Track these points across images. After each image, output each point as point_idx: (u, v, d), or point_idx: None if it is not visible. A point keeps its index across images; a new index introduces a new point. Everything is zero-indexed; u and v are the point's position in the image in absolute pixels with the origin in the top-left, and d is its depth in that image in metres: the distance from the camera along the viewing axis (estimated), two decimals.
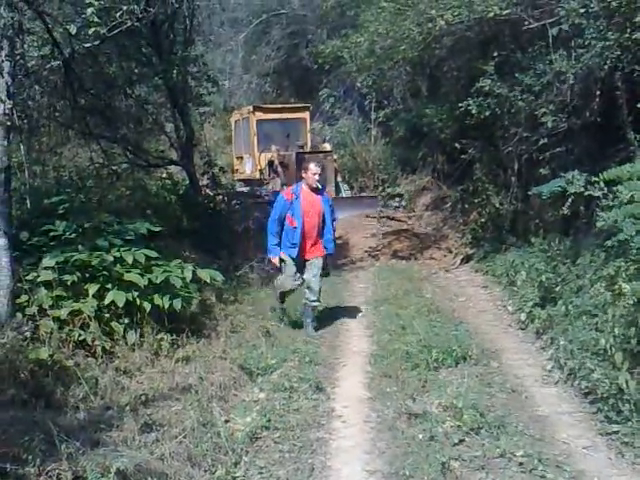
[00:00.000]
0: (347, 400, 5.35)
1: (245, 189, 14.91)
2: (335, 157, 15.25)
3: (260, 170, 15.77)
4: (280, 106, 17.55)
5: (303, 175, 7.31)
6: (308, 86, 19.43)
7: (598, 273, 6.75)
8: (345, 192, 15.03)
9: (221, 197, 11.47)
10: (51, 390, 4.79)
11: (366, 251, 11.90)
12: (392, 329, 7.07)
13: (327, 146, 15.46)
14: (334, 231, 7.52)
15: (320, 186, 7.30)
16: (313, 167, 7.15)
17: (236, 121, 17.64)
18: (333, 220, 7.50)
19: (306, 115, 16.62)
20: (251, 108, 16.57)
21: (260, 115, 16.22)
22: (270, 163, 15.20)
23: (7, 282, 5.42)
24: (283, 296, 7.60)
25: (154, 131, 12.46)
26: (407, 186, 14.89)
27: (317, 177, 7.15)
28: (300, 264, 7.30)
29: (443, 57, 11.72)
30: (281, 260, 7.32)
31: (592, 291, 6.45)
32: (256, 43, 20.99)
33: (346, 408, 5.18)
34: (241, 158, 17.26)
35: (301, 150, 14.76)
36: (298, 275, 7.32)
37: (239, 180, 16.53)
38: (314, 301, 7.35)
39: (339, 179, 15.16)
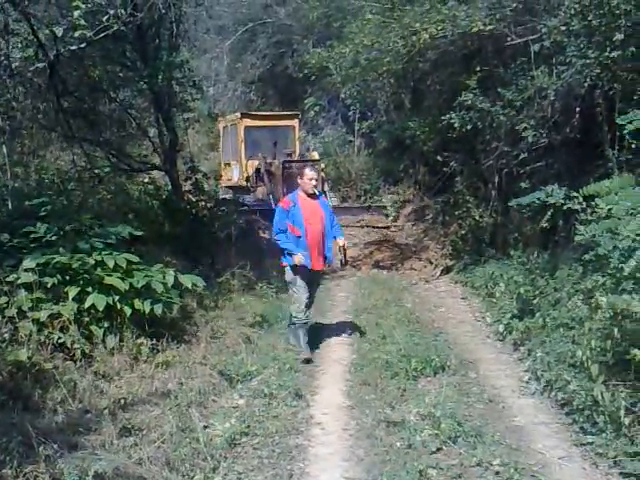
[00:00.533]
0: (326, 407, 5.38)
1: (228, 196, 14.80)
2: (323, 166, 15.12)
3: (247, 177, 15.63)
4: (269, 113, 17.35)
5: (299, 181, 7.04)
6: (293, 95, 19.50)
7: (576, 286, 6.87)
8: (331, 200, 14.70)
9: (204, 203, 11.44)
10: (29, 392, 4.76)
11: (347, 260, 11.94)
12: (372, 338, 7.11)
13: (315, 155, 15.34)
14: (343, 240, 7.13)
15: (317, 192, 7.05)
16: (308, 172, 6.89)
17: (224, 127, 17.44)
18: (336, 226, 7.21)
19: (295, 123, 16.44)
20: (239, 115, 16.38)
21: (248, 122, 16.03)
22: (257, 170, 15.07)
23: None
24: (304, 311, 6.96)
25: (137, 136, 12.41)
26: (389, 197, 14.97)
27: (313, 182, 6.89)
28: (307, 275, 6.93)
29: (427, 70, 11.85)
30: (295, 269, 6.88)
31: (569, 304, 6.56)
32: (241, 51, 21.03)
33: (325, 415, 5.20)
34: (229, 165, 17.10)
35: (288, 159, 14.64)
36: (307, 290, 6.97)
37: (226, 187, 16.37)
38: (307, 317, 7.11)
39: (326, 188, 15.01)
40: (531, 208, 8.09)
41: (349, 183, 16.61)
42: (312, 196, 6.95)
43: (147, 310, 5.93)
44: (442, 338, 7.15)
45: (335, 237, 7.07)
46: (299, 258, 6.74)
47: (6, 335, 5.13)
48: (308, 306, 7.04)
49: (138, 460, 4.15)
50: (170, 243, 9.13)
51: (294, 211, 6.81)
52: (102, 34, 8.26)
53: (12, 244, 6.18)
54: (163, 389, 5.31)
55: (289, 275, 6.93)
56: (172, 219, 10.29)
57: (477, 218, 10.52)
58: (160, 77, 9.77)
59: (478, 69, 9.82)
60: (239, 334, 6.97)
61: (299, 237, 6.78)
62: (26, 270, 5.66)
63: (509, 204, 8.19)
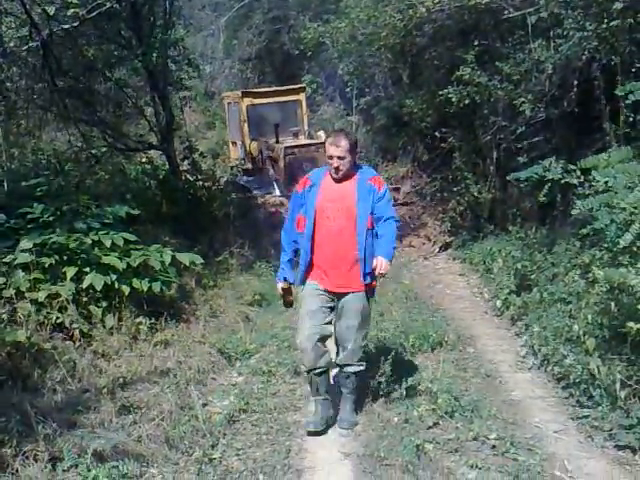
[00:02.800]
0: None
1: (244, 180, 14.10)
2: None
3: (253, 159, 14.72)
4: (272, 89, 16.12)
5: None
6: (290, 72, 19.34)
7: (573, 261, 6.88)
8: None
9: (201, 182, 11.39)
10: (28, 372, 4.79)
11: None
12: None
13: (322, 135, 14.03)
14: (393, 248, 4.44)
15: (338, 175, 4.43)
16: (329, 147, 4.43)
17: (228, 104, 16.41)
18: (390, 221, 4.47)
19: (302, 97, 15.14)
20: (240, 93, 15.42)
21: (250, 100, 15.00)
22: (261, 152, 14.32)
23: None
24: (314, 360, 4.53)
25: (134, 115, 12.35)
26: (387, 174, 14.90)
27: (334, 163, 4.39)
28: (327, 301, 4.53)
29: (424, 45, 11.72)
30: (286, 291, 4.71)
31: (567, 279, 6.56)
32: (237, 28, 20.81)
33: None
34: (235, 144, 16.19)
35: (291, 142, 13.77)
36: (323, 319, 4.50)
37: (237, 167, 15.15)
38: (351, 366, 4.66)
39: None
40: (529, 183, 8.04)
41: None
42: (342, 180, 4.46)
43: (145, 289, 5.96)
44: (440, 314, 7.17)
45: (365, 276, 4.44)
46: (278, 287, 4.69)
47: (4, 316, 5.14)
48: (344, 348, 4.64)
49: (137, 438, 4.19)
50: (168, 222, 9.12)
51: (310, 195, 4.50)
52: (95, 12, 8.19)
53: (9, 225, 6.17)
54: (162, 367, 5.35)
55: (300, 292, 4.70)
56: (170, 198, 10.25)
57: (475, 194, 10.48)
58: (155, 55, 9.69)
59: (476, 43, 9.73)
60: (238, 313, 7.00)
61: (301, 234, 4.52)
62: (23, 251, 5.66)
63: (507, 179, 8.18)
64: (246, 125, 15.19)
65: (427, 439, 4.24)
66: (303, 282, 4.57)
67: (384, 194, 4.45)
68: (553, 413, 4.76)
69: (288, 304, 4.81)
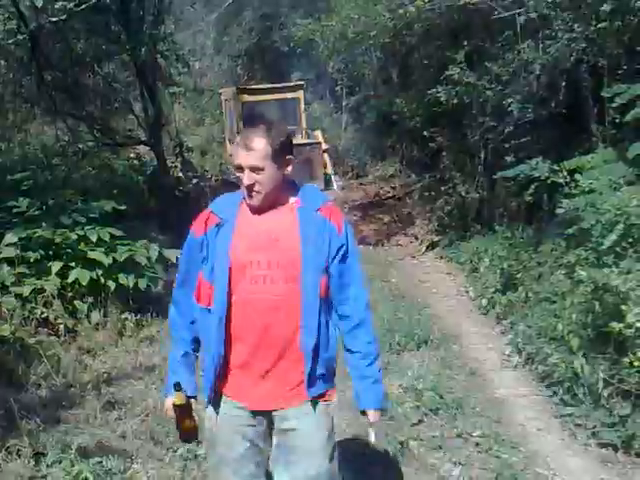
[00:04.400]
0: None
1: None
2: (327, 147, 13.81)
3: None
4: (269, 86, 15.44)
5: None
6: (280, 69, 19.34)
7: (559, 261, 6.89)
8: (337, 184, 13.57)
9: (189, 178, 11.38)
10: (12, 367, 4.78)
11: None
12: None
13: (318, 135, 14.07)
14: (377, 356, 2.65)
15: (255, 202, 2.46)
16: (235, 150, 2.51)
17: (225, 100, 15.80)
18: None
19: (300, 94, 14.64)
20: (235, 90, 14.87)
21: (246, 97, 14.46)
22: None
23: None
24: None
25: (122, 110, 12.28)
26: (376, 172, 14.92)
27: (246, 179, 2.42)
28: (258, 435, 2.57)
29: (414, 44, 11.75)
30: (182, 410, 2.57)
31: (552, 278, 6.58)
32: (228, 24, 20.78)
33: None
34: (232, 141, 15.21)
35: None
36: (255, 473, 2.59)
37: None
38: None
39: (330, 171, 13.59)
40: (516, 182, 8.09)
41: (336, 159, 16.52)
42: (268, 209, 2.52)
43: (131, 284, 5.94)
44: (426, 313, 7.19)
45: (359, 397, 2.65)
46: (167, 405, 2.62)
47: None
48: None
49: (122, 434, 4.18)
50: (155, 219, 9.10)
51: (218, 241, 2.52)
52: (84, 5, 8.15)
53: None
54: (147, 364, 5.33)
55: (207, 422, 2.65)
56: (157, 194, 10.24)
57: (463, 193, 10.52)
58: (144, 50, 9.67)
59: (465, 43, 9.75)
60: None
61: (205, 311, 2.52)
62: (8, 245, 5.64)
63: (494, 178, 8.21)
64: (241, 122, 14.39)
65: (411, 436, 4.26)
66: (211, 400, 2.53)
67: (347, 238, 2.52)
68: (537, 411, 4.79)
69: (187, 433, 2.61)
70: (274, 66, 20.28)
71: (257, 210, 2.50)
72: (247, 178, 2.41)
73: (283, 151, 2.46)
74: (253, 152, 2.39)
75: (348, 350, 2.58)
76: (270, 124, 2.50)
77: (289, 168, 2.52)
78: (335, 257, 2.49)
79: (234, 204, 2.55)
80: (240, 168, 2.43)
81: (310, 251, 2.43)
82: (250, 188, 2.43)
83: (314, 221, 2.47)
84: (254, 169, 2.40)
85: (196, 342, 2.62)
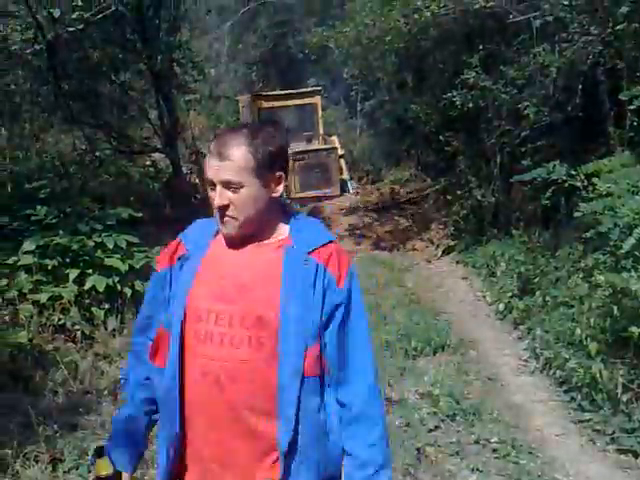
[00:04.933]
0: None
1: None
2: (343, 152, 13.69)
3: None
4: (286, 92, 15.24)
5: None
6: (294, 76, 19.40)
7: (576, 265, 6.84)
8: (352, 188, 13.49)
9: (203, 185, 11.42)
10: (30, 374, 4.81)
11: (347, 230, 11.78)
12: (372, 319, 7.11)
13: (335, 140, 13.89)
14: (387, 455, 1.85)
15: (230, 231, 1.82)
16: (206, 161, 1.82)
17: (242, 107, 15.41)
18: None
19: (317, 100, 14.50)
20: (250, 96, 14.83)
21: (262, 104, 14.38)
22: None
23: None
24: None
25: (138, 118, 12.37)
26: (391, 177, 14.88)
27: (218, 198, 1.79)
28: None
29: (429, 49, 11.73)
30: None
31: (570, 283, 6.53)
32: (243, 31, 20.91)
33: None
34: None
35: (301, 148, 13.06)
36: None
37: None
38: None
39: (346, 176, 13.52)
40: (533, 186, 8.06)
41: (351, 164, 16.52)
42: (246, 243, 1.86)
43: None
44: (442, 318, 7.15)
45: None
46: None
47: (7, 317, 5.17)
48: None
49: None
50: (171, 225, 9.11)
51: (179, 279, 1.89)
52: (101, 15, 8.24)
53: (12, 227, 6.20)
54: None
55: None
56: (173, 201, 10.29)
57: (479, 198, 10.47)
58: (160, 58, 9.74)
59: (480, 47, 9.72)
60: None
61: (157, 371, 1.92)
62: (26, 252, 5.69)
63: (511, 181, 8.16)
64: None
65: (428, 442, 4.23)
66: None
67: (350, 294, 1.86)
68: (555, 417, 4.74)
69: None
70: (288, 72, 20.36)
71: (232, 242, 1.85)
72: (219, 197, 1.78)
73: (271, 165, 1.80)
74: (228, 163, 1.76)
75: (344, 451, 1.83)
76: (257, 128, 1.84)
77: (279, 188, 1.84)
78: (331, 319, 1.80)
79: (209, 232, 1.90)
80: (212, 184, 1.80)
81: (292, 309, 1.75)
82: (222, 210, 1.79)
83: (304, 267, 1.79)
84: (229, 185, 1.77)
85: (150, 403, 1.97)
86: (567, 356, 5.17)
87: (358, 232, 11.74)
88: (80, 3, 7.59)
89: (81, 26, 8.28)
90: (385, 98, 15.17)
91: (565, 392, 5.03)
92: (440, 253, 10.69)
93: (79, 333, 5.46)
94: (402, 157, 15.11)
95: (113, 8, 8.10)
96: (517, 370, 5.70)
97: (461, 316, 7.42)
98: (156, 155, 11.95)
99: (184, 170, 11.48)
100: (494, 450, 4.18)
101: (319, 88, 15.09)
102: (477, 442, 4.27)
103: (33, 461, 3.70)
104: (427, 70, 12.45)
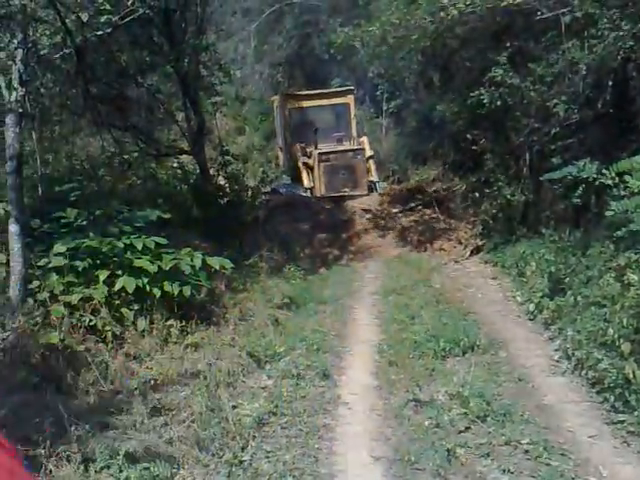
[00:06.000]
0: (354, 387, 5.38)
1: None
2: (372, 153, 13.37)
3: (298, 167, 13.55)
4: (317, 91, 14.97)
5: None
6: (320, 76, 19.36)
7: (608, 264, 6.73)
8: (381, 190, 13.10)
9: (232, 187, 11.44)
10: (62, 374, 4.87)
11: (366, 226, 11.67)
12: (400, 319, 7.08)
13: (364, 141, 13.56)
14: None
15: None
16: None
17: (276, 107, 15.48)
18: None
19: (349, 100, 14.22)
20: (281, 96, 14.76)
21: (293, 103, 14.29)
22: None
23: (19, 268, 5.49)
24: None
25: (165, 120, 12.46)
26: (417, 177, 14.75)
27: None
28: None
29: (455, 47, 11.65)
30: None
31: (601, 282, 6.42)
32: (268, 33, 20.95)
33: (353, 395, 5.21)
34: (281, 150, 15.41)
35: (327, 149, 12.89)
36: None
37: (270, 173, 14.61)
38: None
39: (375, 178, 13.17)
40: (563, 184, 7.95)
41: (377, 164, 16.45)
42: None
43: (176, 292, 6.01)
44: (471, 318, 7.09)
45: None
46: None
47: (38, 318, 5.23)
48: None
49: (168, 440, 4.22)
50: (198, 227, 9.21)
51: None
52: (128, 18, 8.30)
53: (43, 229, 6.30)
54: (193, 370, 5.38)
55: None
56: (200, 203, 10.36)
57: (508, 197, 10.37)
58: (187, 60, 9.80)
59: (508, 44, 9.62)
60: (267, 316, 7.01)
61: None
62: (57, 254, 5.77)
63: (541, 179, 8.06)
64: (288, 129, 14.39)
65: (458, 443, 4.19)
66: None
67: None
68: (587, 418, 4.66)
69: None
70: (314, 73, 20.33)
71: None
72: None
73: None
74: None
75: None
76: None
77: None
78: None
79: None
80: None
81: None
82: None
83: None
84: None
85: None
86: (599, 356, 5.08)
87: (383, 232, 11.69)
88: (108, 7, 7.63)
89: (109, 29, 8.36)
90: (411, 97, 15.11)
91: (598, 393, 4.94)
92: (468, 253, 10.61)
93: (109, 334, 5.52)
94: (428, 156, 15.00)
95: (141, 11, 8.15)
96: (548, 371, 5.62)
97: (490, 316, 7.35)
98: (183, 157, 12.02)
99: (211, 172, 11.53)
100: (526, 451, 4.12)
101: (352, 87, 14.68)
102: (508, 443, 4.22)
103: (65, 461, 3.73)
104: (453, 68, 12.36)
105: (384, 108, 16.17)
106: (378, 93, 15.10)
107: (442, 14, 9.59)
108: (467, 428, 4.44)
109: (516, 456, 4.08)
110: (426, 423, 4.54)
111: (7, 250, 5.62)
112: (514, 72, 9.30)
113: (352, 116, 14.35)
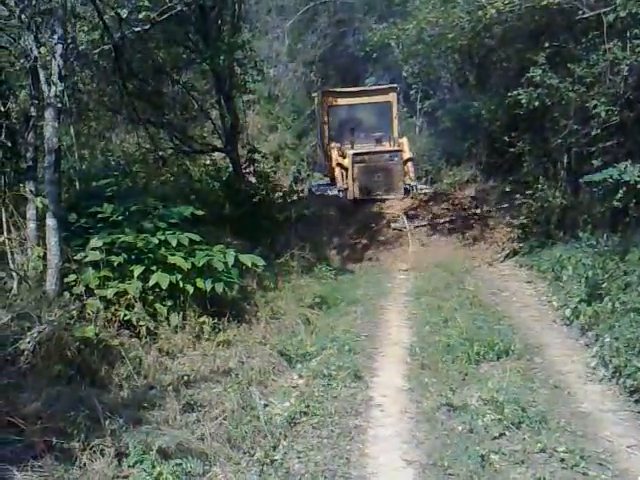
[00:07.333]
0: (386, 389, 5.34)
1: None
2: (411, 155, 12.86)
3: (333, 167, 13.11)
4: (358, 89, 14.59)
5: None
6: (354, 74, 19.32)
7: None
8: (419, 192, 12.57)
9: (264, 185, 11.44)
10: (96, 368, 4.90)
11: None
12: (433, 321, 7.01)
13: (403, 142, 13.03)
14: None
15: None
16: None
17: (316, 104, 15.08)
18: None
19: (392, 98, 13.63)
20: (321, 93, 14.29)
21: (332, 101, 13.81)
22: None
23: (56, 262, 5.54)
24: None
25: (199, 117, 12.52)
26: (450, 178, 14.58)
27: None
28: None
29: (492, 46, 11.51)
30: None
31: None
32: (302, 31, 20.96)
33: (385, 397, 5.16)
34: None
35: (361, 149, 12.60)
36: None
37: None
38: None
39: (412, 181, 12.67)
40: (602, 187, 7.80)
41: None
42: None
43: (208, 289, 6.02)
44: (506, 322, 6.98)
45: None
46: None
47: (74, 312, 5.27)
48: None
49: (200, 436, 4.22)
50: (230, 224, 9.22)
51: None
52: (165, 15, 8.35)
53: (79, 224, 6.35)
54: (224, 367, 5.38)
55: None
56: (232, 200, 10.39)
57: (545, 199, 10.19)
58: (222, 58, 9.81)
59: (547, 44, 9.47)
60: (298, 315, 6.99)
61: None
62: (93, 249, 5.81)
63: (580, 181, 7.91)
64: (326, 128, 13.99)
65: (492, 449, 4.12)
66: None
67: None
68: (625, 427, 4.56)
69: None
70: (348, 72, 20.28)
71: None
72: None
73: None
74: None
75: None
76: None
77: None
78: None
79: None
80: None
81: None
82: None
83: None
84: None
85: None
86: (638, 364, 4.98)
87: (417, 232, 11.56)
88: (146, 3, 7.68)
89: (146, 26, 8.42)
90: (446, 97, 14.99)
91: (636, 402, 4.84)
92: (504, 256, 10.47)
93: (143, 329, 5.54)
94: (462, 157, 14.86)
95: (178, 8, 8.19)
96: (585, 378, 5.51)
97: (525, 321, 7.24)
98: (216, 154, 12.07)
99: (244, 169, 11.55)
100: (562, 460, 4.03)
101: (395, 85, 14.15)
102: (543, 451, 4.14)
103: (99, 454, 3.75)
104: (490, 68, 12.24)
105: (418, 107, 16.05)
106: (412, 92, 15.00)
107: (480, 13, 9.49)
108: (501, 434, 4.37)
109: (551, 464, 4.00)
110: (459, 428, 4.48)
111: (44, 244, 5.68)
112: (553, 72, 9.15)
113: (394, 115, 13.82)
